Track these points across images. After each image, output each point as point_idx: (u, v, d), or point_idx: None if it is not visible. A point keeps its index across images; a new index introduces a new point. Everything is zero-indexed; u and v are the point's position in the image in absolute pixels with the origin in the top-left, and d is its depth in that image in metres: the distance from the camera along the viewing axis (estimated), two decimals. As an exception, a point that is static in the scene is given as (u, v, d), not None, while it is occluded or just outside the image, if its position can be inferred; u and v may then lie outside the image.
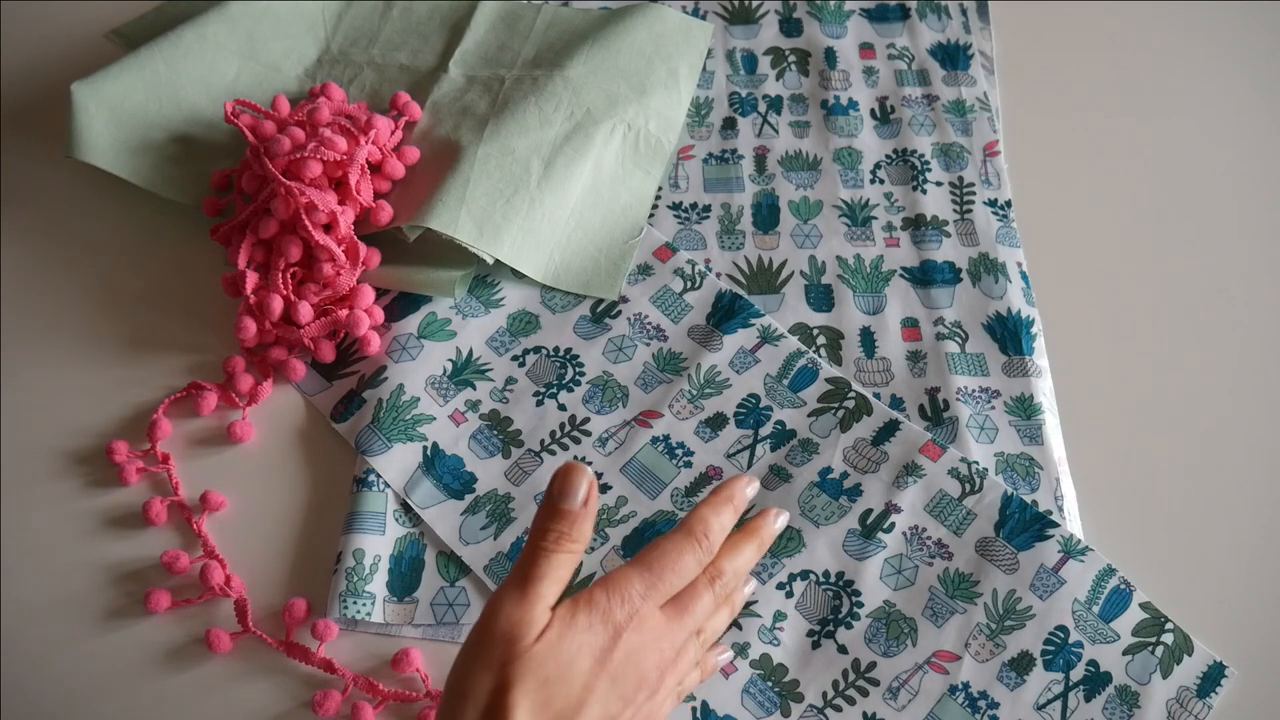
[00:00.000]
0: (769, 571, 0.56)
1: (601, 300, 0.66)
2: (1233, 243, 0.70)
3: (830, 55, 0.78)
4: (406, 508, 0.59)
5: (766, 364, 0.63)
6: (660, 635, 0.43)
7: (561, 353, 0.64)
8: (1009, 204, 0.70)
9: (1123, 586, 0.55)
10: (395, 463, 0.60)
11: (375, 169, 0.67)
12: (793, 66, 0.78)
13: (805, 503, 0.58)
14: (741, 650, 0.54)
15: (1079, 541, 0.56)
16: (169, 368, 0.64)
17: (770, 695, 0.53)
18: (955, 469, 0.59)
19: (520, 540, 0.58)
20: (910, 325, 0.65)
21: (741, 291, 0.66)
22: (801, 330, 0.65)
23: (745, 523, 0.49)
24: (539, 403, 0.62)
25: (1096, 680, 0.53)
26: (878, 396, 0.62)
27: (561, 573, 0.43)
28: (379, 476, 0.59)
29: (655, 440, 0.61)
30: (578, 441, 0.61)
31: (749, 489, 0.49)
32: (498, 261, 0.64)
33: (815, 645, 0.55)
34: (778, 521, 0.50)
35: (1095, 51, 0.79)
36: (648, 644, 0.43)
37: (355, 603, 0.55)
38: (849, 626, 0.55)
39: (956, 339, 0.64)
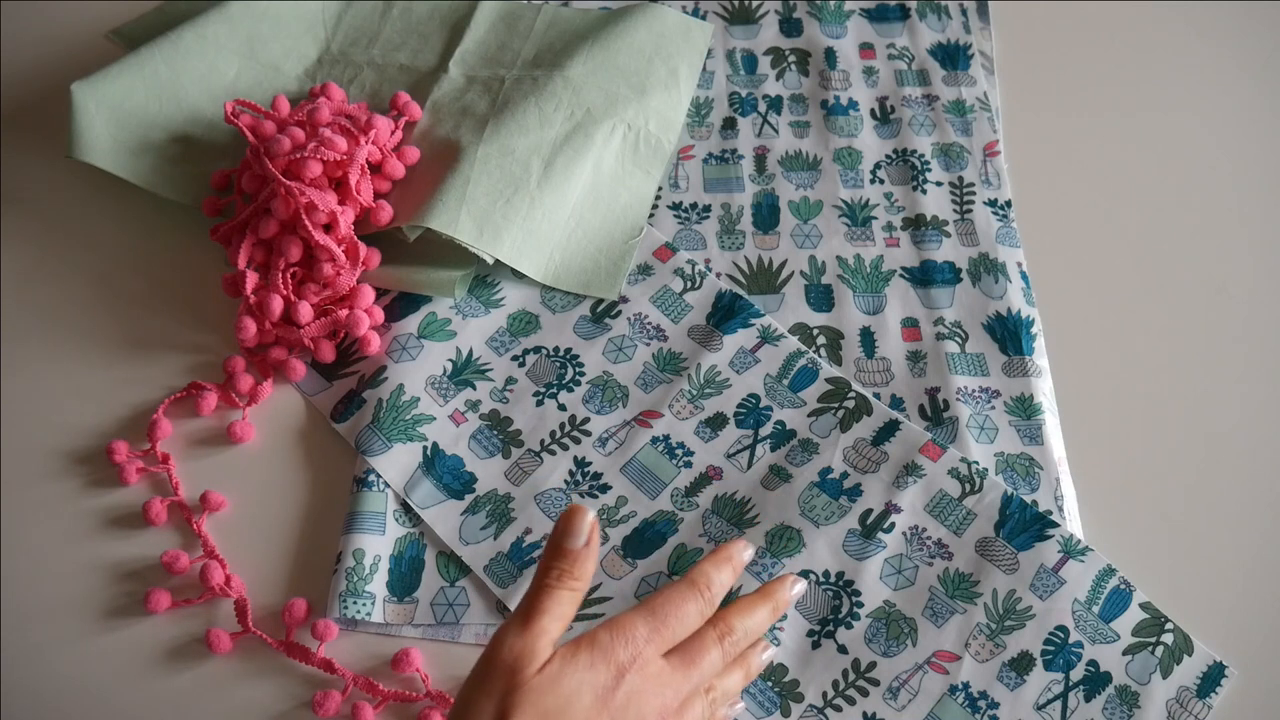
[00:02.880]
0: (769, 571, 0.56)
1: (601, 300, 0.66)
2: (1233, 242, 0.70)
3: (830, 55, 0.78)
4: (406, 508, 0.59)
5: (766, 364, 0.63)
6: (664, 682, 0.44)
7: (561, 353, 0.64)
8: (1009, 204, 0.70)
9: (1123, 586, 0.55)
10: (395, 463, 0.60)
11: (375, 169, 0.67)
12: (793, 66, 0.78)
13: (805, 503, 0.58)
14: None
15: (1079, 541, 0.56)
16: (169, 368, 0.64)
17: (770, 695, 0.53)
18: (955, 469, 0.59)
19: (519, 540, 0.58)
20: (910, 325, 0.65)
21: (741, 291, 0.66)
22: (801, 330, 0.65)
23: (763, 585, 0.50)
24: (539, 403, 0.62)
25: (1096, 680, 0.53)
26: (878, 396, 0.62)
27: (564, 609, 0.44)
28: (379, 476, 0.59)
29: (655, 440, 0.61)
30: (578, 441, 0.61)
31: (746, 553, 0.50)
32: (498, 261, 0.64)
33: (815, 645, 0.55)
34: (795, 589, 0.51)
35: (1095, 51, 0.79)
36: (649, 688, 0.43)
37: (355, 603, 0.55)
38: (849, 626, 0.55)
39: (956, 339, 0.64)
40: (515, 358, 0.64)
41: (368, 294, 0.64)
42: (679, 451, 0.61)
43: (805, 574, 0.56)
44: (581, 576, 0.44)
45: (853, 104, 0.75)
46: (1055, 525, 0.57)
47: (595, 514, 0.45)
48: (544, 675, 0.42)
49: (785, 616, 0.55)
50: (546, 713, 0.41)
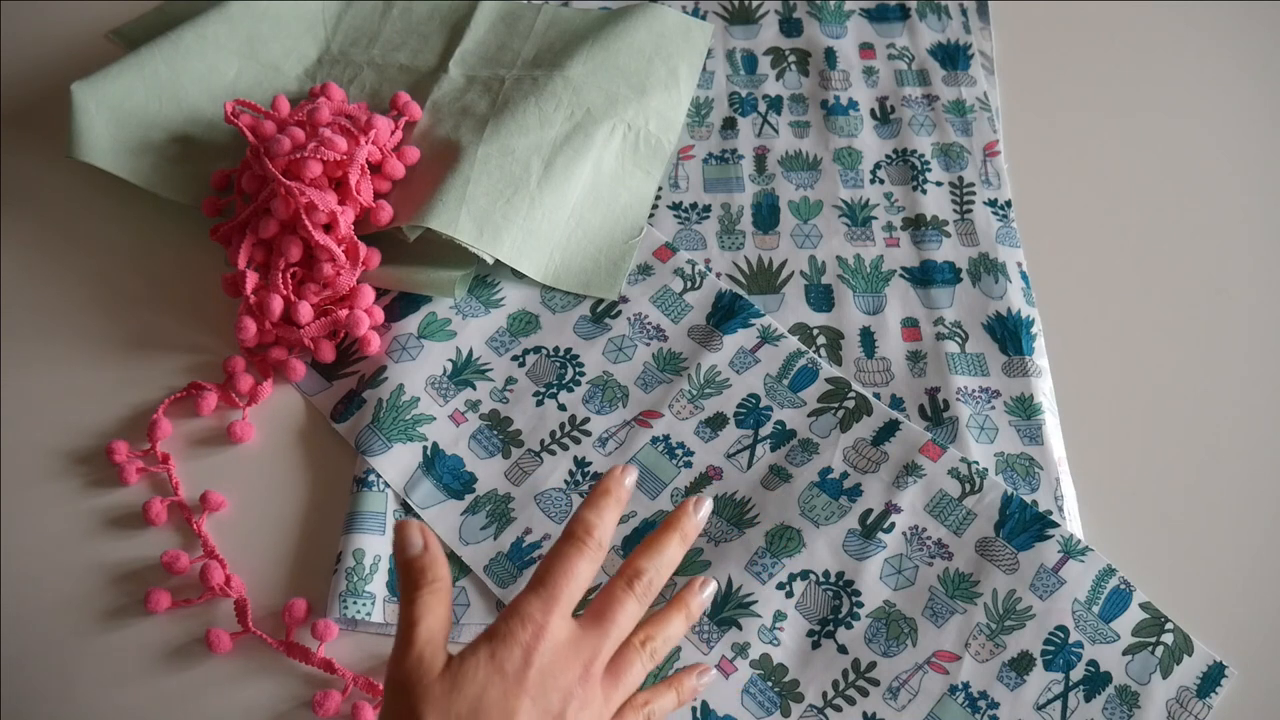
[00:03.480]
0: (769, 571, 0.56)
1: (601, 300, 0.66)
2: (1232, 243, 0.70)
3: (830, 55, 0.78)
4: (407, 508, 0.59)
5: (766, 364, 0.63)
6: (578, 646, 0.43)
7: (561, 353, 0.64)
8: (1009, 204, 0.70)
9: (1123, 586, 0.55)
10: (395, 463, 0.60)
11: (375, 169, 0.67)
12: (793, 66, 0.78)
13: (805, 503, 0.58)
14: (741, 650, 0.54)
15: (1079, 541, 0.56)
16: (169, 368, 0.64)
17: (770, 695, 0.53)
18: (955, 469, 0.59)
19: (519, 540, 0.58)
20: (910, 325, 0.65)
21: (741, 291, 0.66)
22: (801, 330, 0.65)
23: (667, 517, 0.48)
24: (539, 403, 0.62)
25: (1096, 680, 0.53)
26: (878, 396, 0.62)
27: (436, 610, 0.43)
28: (379, 476, 0.59)
29: (655, 440, 0.61)
30: (578, 441, 0.61)
31: (628, 479, 0.47)
32: (498, 261, 0.64)
33: (815, 645, 0.55)
34: (700, 512, 0.48)
35: (1095, 51, 0.79)
36: (563, 656, 0.42)
37: (355, 603, 0.55)
38: (849, 626, 0.55)
39: (956, 339, 0.64)
40: (515, 358, 0.64)
41: (368, 294, 0.64)
42: (679, 451, 0.61)
43: (805, 574, 0.56)
44: (436, 575, 0.43)
45: (853, 104, 0.75)
46: (1055, 525, 0.57)
47: (419, 523, 0.44)
48: (443, 679, 0.41)
49: (785, 616, 0.55)
50: (459, 716, 0.40)
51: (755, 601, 0.55)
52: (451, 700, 0.40)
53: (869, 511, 0.58)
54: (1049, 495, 0.59)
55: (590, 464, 0.60)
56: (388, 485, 0.59)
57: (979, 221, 0.69)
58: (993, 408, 0.62)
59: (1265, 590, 0.57)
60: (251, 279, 0.63)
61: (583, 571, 0.44)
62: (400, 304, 0.66)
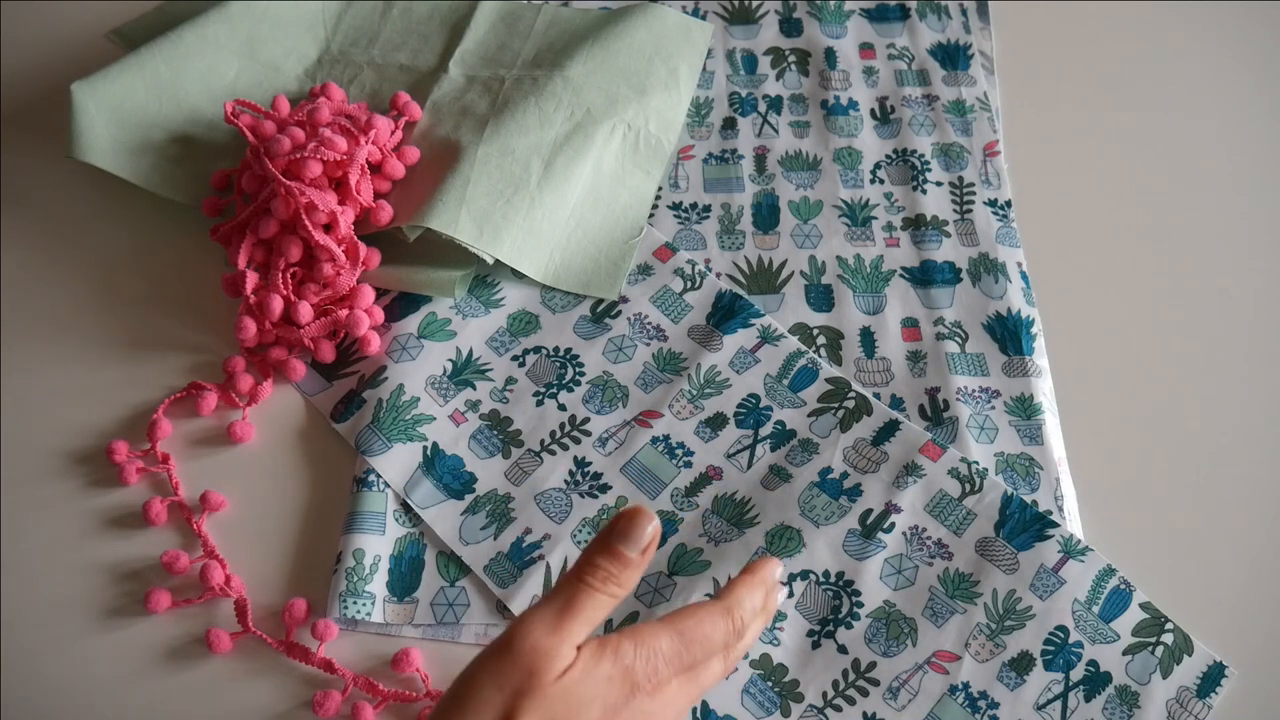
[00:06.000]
0: (769, 571, 0.56)
1: (601, 300, 0.66)
2: (1232, 242, 0.70)
3: (830, 55, 0.78)
4: (406, 508, 0.59)
5: (766, 364, 0.63)
6: (672, 705, 0.43)
7: (561, 353, 0.64)
8: (1009, 204, 0.70)
9: (1123, 586, 0.55)
10: (395, 463, 0.60)
11: (375, 169, 0.67)
12: (793, 66, 0.78)
13: (805, 503, 0.58)
14: (741, 650, 0.54)
15: (1079, 541, 0.56)
16: (169, 368, 0.64)
17: (770, 695, 0.53)
18: (955, 469, 0.59)
19: (519, 540, 0.58)
20: (910, 325, 0.65)
21: (741, 291, 0.66)
22: (801, 330, 0.65)
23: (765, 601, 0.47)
24: (539, 403, 0.62)
25: (1096, 680, 0.53)
26: (878, 396, 0.62)
27: (598, 614, 0.42)
28: (379, 476, 0.59)
29: (655, 440, 0.61)
30: (578, 441, 0.61)
31: (778, 570, 0.48)
32: (498, 261, 0.64)
33: (815, 645, 0.55)
34: (782, 595, 0.49)
35: (1095, 51, 0.79)
36: (657, 712, 0.42)
37: (355, 603, 0.55)
38: (849, 626, 0.55)
39: (956, 339, 0.64)
40: (515, 358, 0.64)
41: (368, 294, 0.64)
42: (679, 451, 0.61)
43: (805, 574, 0.56)
44: (626, 585, 0.42)
45: (853, 104, 0.75)
46: (1055, 525, 0.57)
47: (658, 523, 0.43)
48: (561, 684, 0.40)
49: (785, 616, 0.55)
50: (553, 718, 0.39)
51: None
52: (554, 705, 0.40)
53: (869, 511, 0.58)
54: (1049, 495, 0.59)
55: (590, 464, 0.60)
56: (388, 485, 0.59)
57: (979, 221, 0.69)
58: (993, 408, 0.62)
59: (1265, 590, 0.57)
60: (251, 279, 0.63)
61: (716, 645, 0.44)
62: (400, 304, 0.66)
